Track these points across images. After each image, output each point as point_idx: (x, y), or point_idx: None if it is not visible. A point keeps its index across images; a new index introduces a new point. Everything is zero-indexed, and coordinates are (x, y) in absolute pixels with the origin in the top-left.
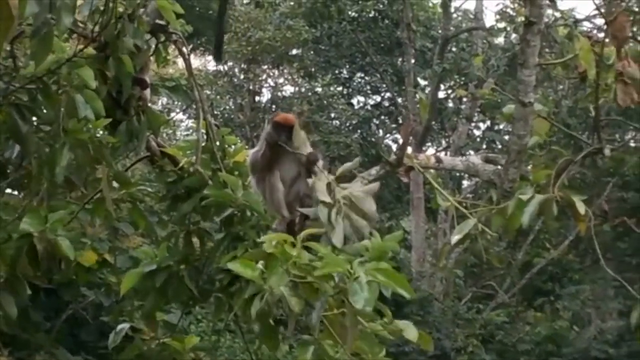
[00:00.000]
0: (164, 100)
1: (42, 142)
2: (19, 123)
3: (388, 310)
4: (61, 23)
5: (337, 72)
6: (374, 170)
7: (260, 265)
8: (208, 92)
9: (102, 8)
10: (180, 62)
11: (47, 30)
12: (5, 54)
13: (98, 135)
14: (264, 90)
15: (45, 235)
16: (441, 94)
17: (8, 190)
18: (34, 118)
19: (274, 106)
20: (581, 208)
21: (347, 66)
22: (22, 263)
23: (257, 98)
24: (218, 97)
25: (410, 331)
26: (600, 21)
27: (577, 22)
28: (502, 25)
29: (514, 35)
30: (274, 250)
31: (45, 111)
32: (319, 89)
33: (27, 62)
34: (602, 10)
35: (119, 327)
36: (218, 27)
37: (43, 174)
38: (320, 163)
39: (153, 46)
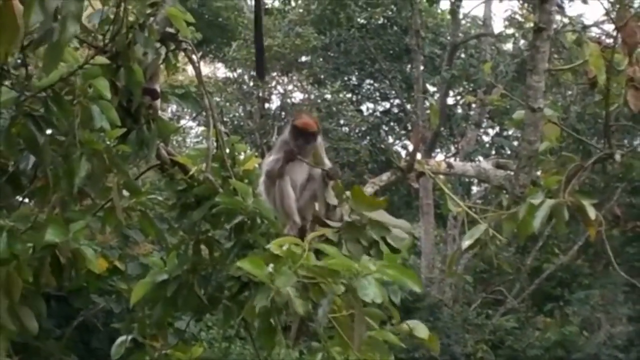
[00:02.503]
0: (174, 107)
1: (56, 152)
2: (35, 134)
3: (398, 314)
4: (66, 32)
5: (346, 78)
6: (384, 176)
7: (270, 268)
8: (217, 99)
9: (112, 17)
10: (190, 69)
11: (58, 39)
12: (17, 63)
13: (110, 144)
14: (273, 97)
15: (69, 246)
16: (450, 100)
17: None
18: (49, 129)
19: (283, 113)
20: (592, 213)
21: (356, 73)
22: (46, 274)
23: (266, 105)
24: (227, 104)
25: (420, 330)
26: (609, 27)
27: (585, 27)
28: (510, 31)
29: (522, 41)
30: (281, 252)
31: (59, 122)
32: (328, 96)
33: (40, 74)
34: (612, 16)
35: (120, 339)
36: (257, 45)
37: (59, 185)
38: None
39: (163, 54)
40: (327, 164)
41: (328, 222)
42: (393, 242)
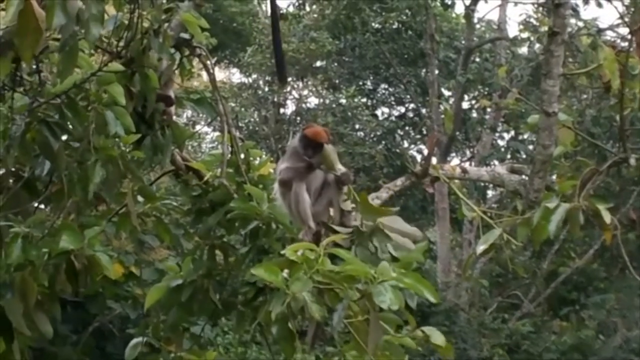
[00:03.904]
0: (189, 113)
1: (71, 158)
2: (49, 140)
3: (413, 319)
4: (90, 34)
5: (361, 83)
6: (399, 181)
7: (284, 273)
8: (232, 105)
9: (126, 22)
10: (204, 74)
11: (72, 45)
12: (30, 70)
13: (125, 150)
14: (288, 102)
15: (84, 252)
16: (465, 105)
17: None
18: (63, 135)
19: (298, 118)
20: (607, 217)
21: (371, 77)
22: (61, 280)
23: (281, 110)
24: (242, 109)
25: (436, 337)
26: (623, 30)
27: (600, 31)
28: (525, 35)
29: (537, 45)
30: (297, 258)
31: (74, 128)
32: (343, 101)
33: (55, 80)
34: (627, 20)
35: (134, 341)
36: (276, 49)
37: (74, 191)
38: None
39: (177, 60)
40: (341, 168)
41: (337, 228)
42: (394, 250)
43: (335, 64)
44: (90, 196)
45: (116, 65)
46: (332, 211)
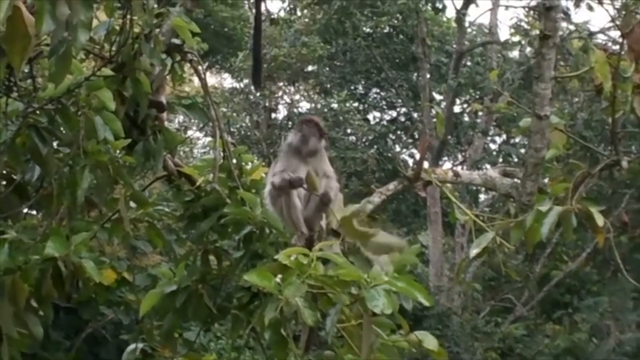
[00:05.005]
0: (181, 118)
1: (61, 163)
2: (39, 145)
3: (406, 323)
4: (77, 40)
5: (352, 88)
6: (391, 186)
7: (278, 278)
8: (224, 110)
9: (118, 28)
10: (196, 79)
11: (66, 50)
12: (24, 75)
13: (116, 155)
14: (279, 107)
15: (70, 258)
16: (457, 109)
17: (25, 210)
18: (54, 140)
19: (290, 123)
20: (599, 220)
21: (363, 82)
22: (47, 285)
23: (273, 115)
24: (234, 114)
25: (429, 341)
26: (615, 33)
27: (591, 34)
28: (516, 39)
29: (528, 49)
30: (289, 263)
31: (64, 133)
32: (334, 105)
33: (46, 84)
34: (618, 23)
35: (131, 346)
36: (255, 54)
37: (64, 195)
38: (340, 198)
39: (169, 65)
40: (331, 173)
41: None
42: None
43: (327, 69)
44: (79, 201)
45: (107, 71)
46: (323, 216)
